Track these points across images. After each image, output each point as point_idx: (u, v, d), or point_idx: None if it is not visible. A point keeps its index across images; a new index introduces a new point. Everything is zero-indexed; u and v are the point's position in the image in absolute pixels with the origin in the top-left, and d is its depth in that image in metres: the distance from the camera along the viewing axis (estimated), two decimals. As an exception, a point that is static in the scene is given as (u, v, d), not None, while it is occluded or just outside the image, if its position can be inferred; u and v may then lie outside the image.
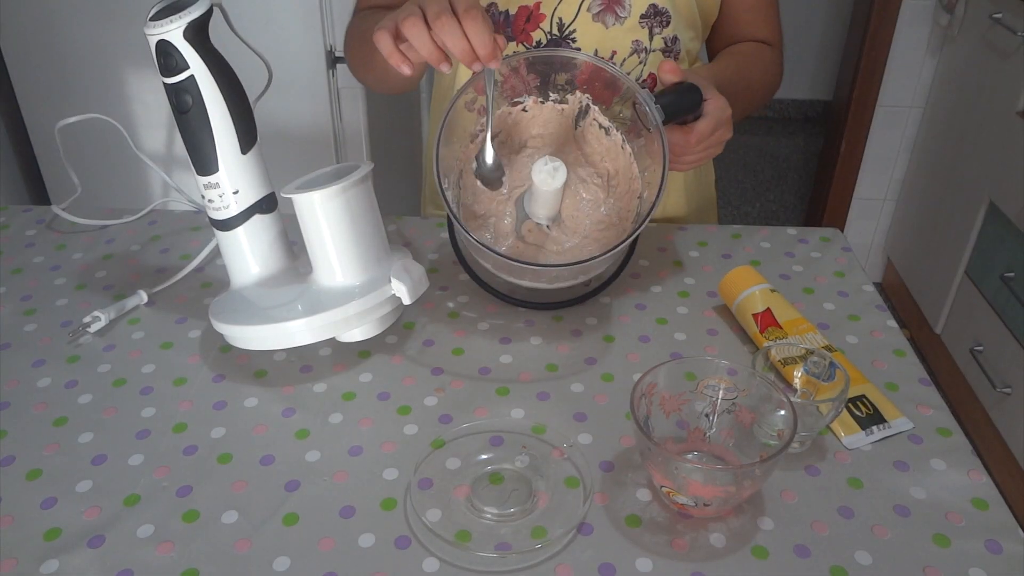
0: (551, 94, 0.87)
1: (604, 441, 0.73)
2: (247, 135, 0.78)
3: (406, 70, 0.73)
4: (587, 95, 0.87)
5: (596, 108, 0.88)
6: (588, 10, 0.96)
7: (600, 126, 0.88)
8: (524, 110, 0.89)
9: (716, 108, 0.83)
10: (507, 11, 0.97)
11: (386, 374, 0.81)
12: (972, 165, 2.05)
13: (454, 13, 0.68)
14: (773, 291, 0.85)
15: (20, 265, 0.97)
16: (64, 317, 0.88)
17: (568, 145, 0.89)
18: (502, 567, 0.62)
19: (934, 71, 2.28)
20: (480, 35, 0.69)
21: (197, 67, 0.73)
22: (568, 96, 0.87)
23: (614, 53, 0.97)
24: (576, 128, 0.89)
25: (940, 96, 2.26)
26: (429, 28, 0.69)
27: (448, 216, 0.91)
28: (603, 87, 0.98)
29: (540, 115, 0.88)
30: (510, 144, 0.91)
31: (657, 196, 0.77)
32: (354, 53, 0.98)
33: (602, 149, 0.89)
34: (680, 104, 0.82)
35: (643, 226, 0.76)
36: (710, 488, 0.63)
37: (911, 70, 2.29)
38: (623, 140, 0.87)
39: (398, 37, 0.71)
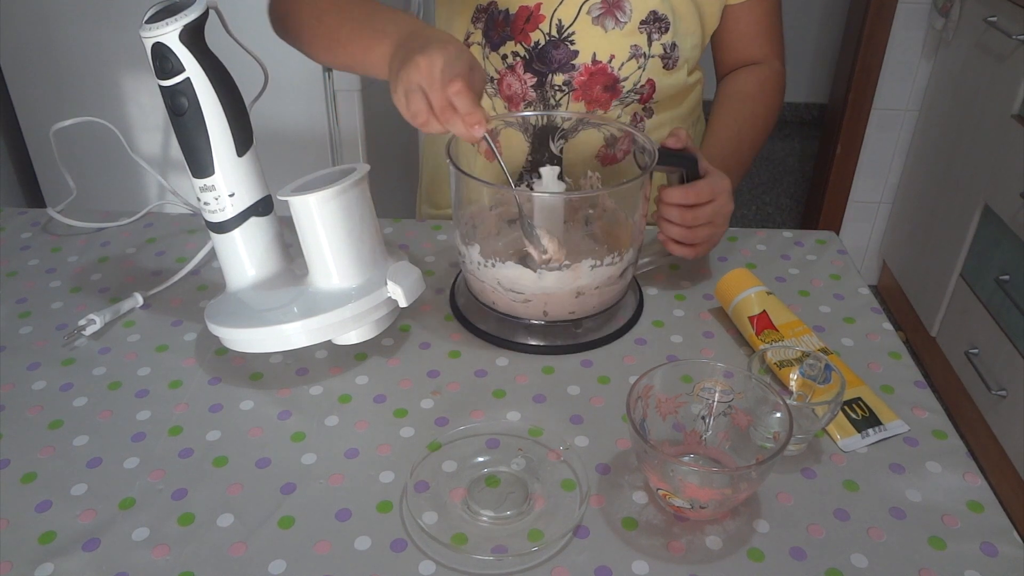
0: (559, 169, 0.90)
1: (600, 444, 0.73)
2: (243, 138, 0.78)
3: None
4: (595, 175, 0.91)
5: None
6: (588, 13, 0.96)
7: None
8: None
9: (716, 175, 0.86)
10: (507, 10, 0.97)
11: (382, 377, 0.81)
12: (967, 168, 2.05)
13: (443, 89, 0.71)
14: (769, 294, 0.85)
15: (15, 268, 0.97)
16: (59, 320, 0.88)
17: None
18: (498, 570, 0.62)
19: (929, 74, 2.29)
20: (472, 115, 0.71)
21: (193, 70, 0.73)
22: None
23: (612, 57, 0.97)
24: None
25: (935, 99, 2.26)
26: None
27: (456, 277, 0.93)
28: (602, 90, 0.98)
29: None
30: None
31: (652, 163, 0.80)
32: (315, 23, 0.88)
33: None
34: (675, 156, 0.84)
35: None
36: (706, 491, 0.63)
37: (906, 73, 2.30)
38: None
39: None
